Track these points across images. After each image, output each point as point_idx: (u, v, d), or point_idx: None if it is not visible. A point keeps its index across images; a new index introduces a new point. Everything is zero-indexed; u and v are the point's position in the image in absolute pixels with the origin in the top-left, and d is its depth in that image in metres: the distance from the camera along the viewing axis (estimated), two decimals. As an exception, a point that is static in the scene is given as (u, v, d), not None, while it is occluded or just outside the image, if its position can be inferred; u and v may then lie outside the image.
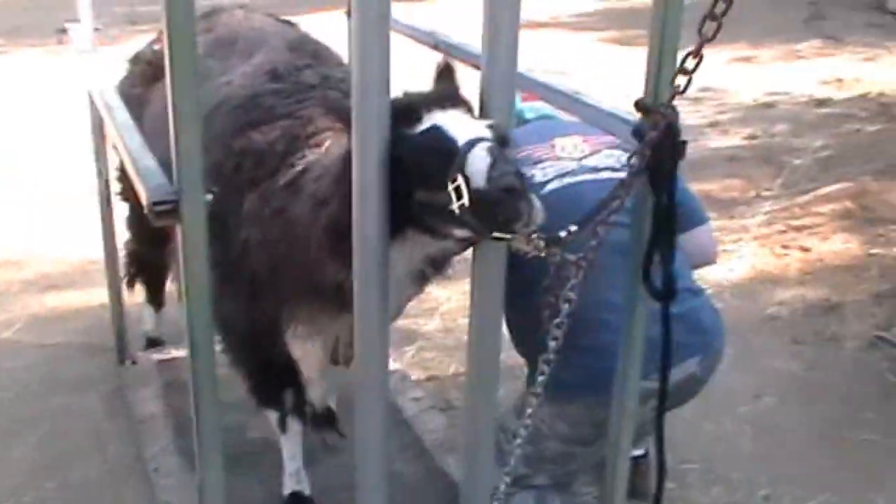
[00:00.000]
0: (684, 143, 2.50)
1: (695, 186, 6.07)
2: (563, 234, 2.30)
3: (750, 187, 7.29)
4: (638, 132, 2.54)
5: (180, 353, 4.54)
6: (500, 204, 2.13)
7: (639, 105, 2.55)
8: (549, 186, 3.20)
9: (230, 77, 3.35)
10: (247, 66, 3.40)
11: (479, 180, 2.16)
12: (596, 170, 3.27)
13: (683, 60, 2.32)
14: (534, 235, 2.24)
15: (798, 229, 6.44)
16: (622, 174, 3.34)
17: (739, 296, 5.61)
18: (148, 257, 4.55)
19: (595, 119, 2.79)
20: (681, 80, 2.35)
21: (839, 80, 10.02)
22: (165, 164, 2.21)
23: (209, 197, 2.14)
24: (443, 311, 5.37)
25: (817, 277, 5.84)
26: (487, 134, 2.35)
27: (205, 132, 2.14)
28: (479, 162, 2.19)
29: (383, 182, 2.32)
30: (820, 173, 7.44)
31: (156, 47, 4.00)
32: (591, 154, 3.34)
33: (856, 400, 4.62)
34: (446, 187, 2.20)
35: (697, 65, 2.30)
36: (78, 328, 5.29)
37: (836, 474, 4.11)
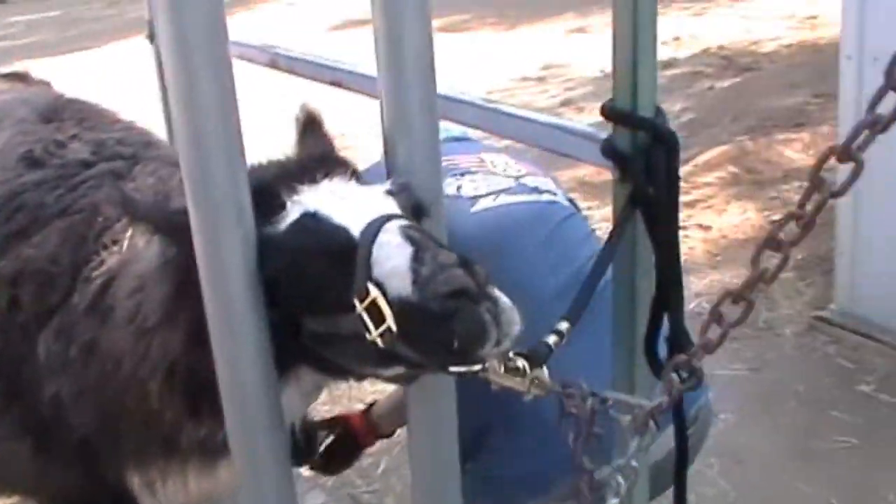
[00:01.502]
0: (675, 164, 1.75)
1: (563, 175, 5.53)
2: (552, 338, 1.51)
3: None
4: (611, 150, 1.75)
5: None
6: (448, 320, 1.37)
7: (612, 112, 1.76)
8: (482, 203, 2.44)
9: None
10: None
11: (402, 287, 1.42)
12: (538, 191, 2.51)
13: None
14: (511, 355, 1.49)
15: (689, 205, 5.90)
16: (565, 203, 2.70)
17: (652, 294, 4.97)
18: None
19: (544, 136, 1.97)
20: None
21: (676, 39, 9.73)
22: None
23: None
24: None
25: (727, 258, 5.32)
26: (393, 207, 1.59)
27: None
28: (393, 257, 1.44)
29: (255, 306, 1.56)
30: (690, 138, 6.97)
31: None
32: (526, 175, 2.56)
33: (816, 398, 4.07)
34: (352, 307, 1.43)
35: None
36: None
37: (819, 494, 3.52)
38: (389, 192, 1.65)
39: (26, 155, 2.38)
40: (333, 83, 2.60)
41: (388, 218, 1.51)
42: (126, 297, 1.90)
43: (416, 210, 1.65)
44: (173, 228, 1.63)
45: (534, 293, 2.25)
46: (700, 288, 4.99)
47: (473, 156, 2.71)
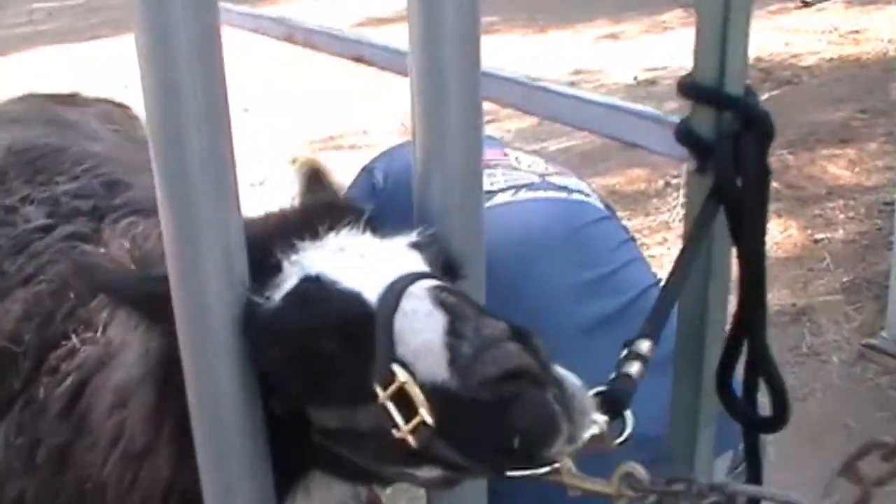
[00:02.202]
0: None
1: (595, 182, 5.22)
2: (634, 367, 1.19)
3: (655, 176, 6.46)
4: (689, 135, 1.44)
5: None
6: (504, 413, 1.06)
7: (692, 89, 1.45)
8: (498, 198, 2.17)
9: None
10: None
11: (437, 369, 1.11)
12: (567, 190, 2.21)
13: None
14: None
15: (727, 221, 5.58)
16: (599, 205, 2.40)
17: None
18: None
19: (604, 120, 1.66)
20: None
21: (712, 50, 9.38)
22: None
23: None
24: None
25: (769, 277, 4.96)
26: (418, 263, 1.27)
27: None
28: (422, 330, 1.13)
29: (250, 405, 1.26)
30: (727, 152, 6.64)
31: None
32: (555, 174, 2.26)
33: (867, 433, 3.70)
34: (373, 397, 1.14)
35: None
36: None
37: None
38: (415, 245, 1.32)
39: None
40: (355, 58, 2.30)
41: (414, 278, 1.19)
42: (106, 414, 1.59)
43: (449, 268, 1.33)
44: (151, 302, 1.31)
45: (550, 292, 2.02)
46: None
47: (498, 150, 2.43)
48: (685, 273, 1.38)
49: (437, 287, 1.17)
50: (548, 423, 1.06)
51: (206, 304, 1.19)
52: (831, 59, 8.76)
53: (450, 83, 1.33)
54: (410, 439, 1.10)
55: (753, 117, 1.40)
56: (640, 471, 1.14)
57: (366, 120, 7.78)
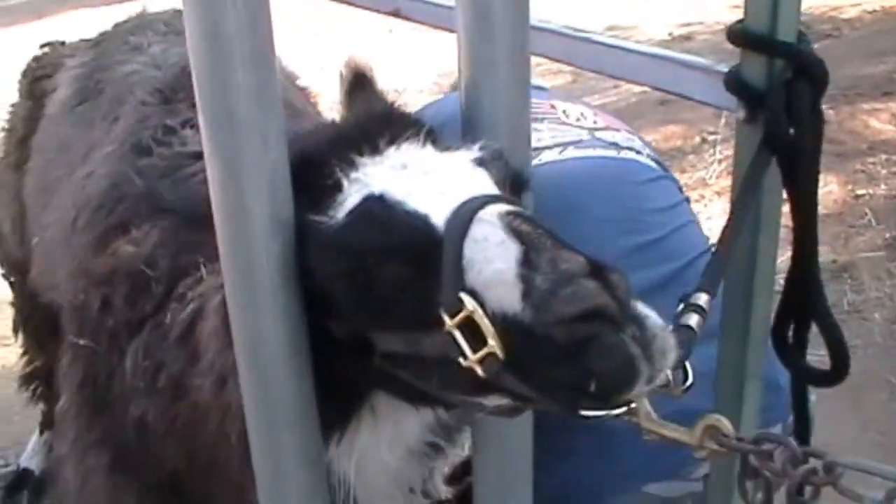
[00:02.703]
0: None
1: None
2: (693, 318, 1.16)
3: (692, 132, 6.37)
4: (739, 83, 1.41)
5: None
6: (580, 355, 1.02)
7: (743, 36, 1.41)
8: (544, 156, 2.10)
9: (91, 165, 2.19)
10: (110, 138, 2.22)
11: (509, 301, 1.05)
12: (617, 147, 2.15)
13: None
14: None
15: (766, 177, 5.49)
16: (651, 164, 2.34)
17: (725, 269, 4.59)
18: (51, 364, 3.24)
19: (648, 71, 1.62)
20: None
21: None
22: None
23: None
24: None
25: (808, 233, 4.90)
26: (486, 182, 1.22)
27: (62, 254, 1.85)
28: (494, 259, 1.08)
29: (286, 315, 1.24)
30: (765, 107, 6.53)
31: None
32: (605, 129, 2.21)
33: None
34: (439, 324, 1.09)
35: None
36: None
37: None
38: (479, 161, 1.27)
39: (136, 143, 2.11)
40: (392, 13, 2.27)
41: (484, 201, 1.14)
42: (208, 335, 1.57)
43: (514, 185, 1.28)
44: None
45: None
46: (778, 265, 4.61)
47: (545, 102, 2.36)
48: (741, 223, 1.36)
49: (509, 213, 1.12)
50: (626, 368, 1.02)
51: (251, 245, 1.18)
52: (873, 11, 8.55)
53: (499, 36, 1.31)
54: (478, 369, 1.07)
55: (807, 64, 1.36)
56: (726, 424, 1.09)
57: (399, 78, 7.73)
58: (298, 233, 1.23)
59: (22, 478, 3.56)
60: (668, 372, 1.07)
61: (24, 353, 3.50)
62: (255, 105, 1.09)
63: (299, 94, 2.76)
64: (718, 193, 5.42)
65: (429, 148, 1.29)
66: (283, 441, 1.33)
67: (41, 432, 3.64)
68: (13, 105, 3.12)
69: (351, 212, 1.21)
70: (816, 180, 1.43)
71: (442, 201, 1.15)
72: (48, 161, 2.61)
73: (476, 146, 1.28)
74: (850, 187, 5.28)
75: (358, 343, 1.25)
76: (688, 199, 2.34)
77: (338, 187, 1.23)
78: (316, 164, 1.25)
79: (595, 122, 2.28)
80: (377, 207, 1.20)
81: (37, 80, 2.97)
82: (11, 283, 3.31)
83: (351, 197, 1.22)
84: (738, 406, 1.69)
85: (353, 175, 1.24)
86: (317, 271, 1.22)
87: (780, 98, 1.35)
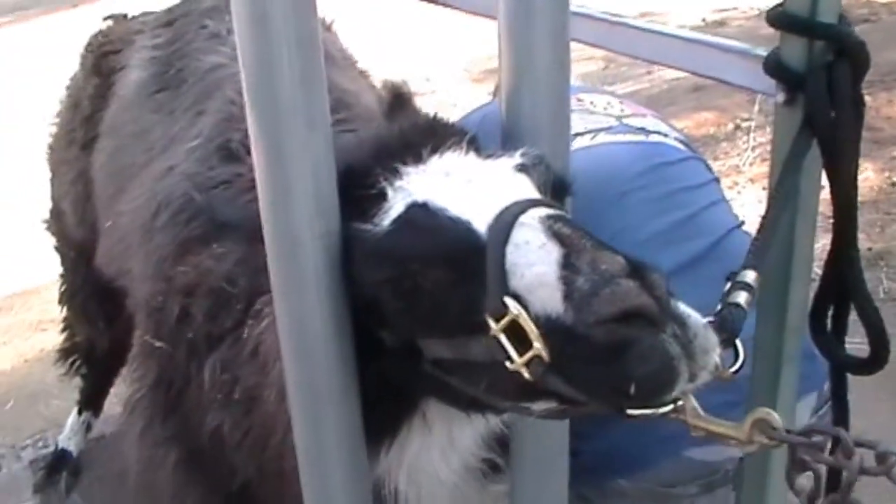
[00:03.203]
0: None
1: None
2: (742, 296, 1.16)
3: (725, 119, 6.32)
4: (779, 66, 1.40)
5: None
6: (620, 356, 1.02)
7: (782, 18, 1.40)
8: (577, 143, 2.13)
9: (172, 158, 2.17)
10: (194, 132, 2.20)
11: (551, 304, 1.09)
12: (644, 131, 2.18)
13: None
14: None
15: (801, 164, 5.44)
16: (679, 146, 2.36)
17: (758, 257, 4.56)
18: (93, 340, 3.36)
19: (686, 55, 1.62)
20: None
21: (785, -12, 9.05)
22: None
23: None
24: None
25: (844, 221, 4.85)
26: (528, 187, 1.24)
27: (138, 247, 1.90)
28: (536, 263, 1.11)
29: (339, 335, 1.29)
30: (800, 93, 6.45)
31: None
32: (632, 115, 2.23)
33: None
34: (485, 328, 1.12)
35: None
36: None
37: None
38: (520, 167, 1.28)
39: (222, 146, 2.07)
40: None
41: (525, 206, 1.16)
42: (273, 356, 1.61)
43: (555, 189, 1.29)
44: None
45: (632, 239, 1.97)
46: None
47: (572, 96, 2.39)
48: (781, 207, 1.35)
49: (550, 216, 1.14)
50: (665, 370, 1.02)
51: (294, 225, 1.20)
52: (911, -4, 8.43)
53: (539, 20, 1.31)
54: (524, 372, 1.09)
55: (848, 47, 1.35)
56: (775, 417, 1.09)
57: (429, 66, 7.74)
58: (344, 242, 1.26)
59: (60, 459, 3.59)
60: (717, 356, 1.07)
61: (66, 329, 3.55)
62: (300, 88, 1.11)
63: (356, 75, 2.71)
64: (752, 180, 5.38)
65: (471, 156, 1.32)
66: (324, 419, 1.35)
67: (79, 412, 3.69)
68: (74, 79, 3.06)
69: (395, 220, 1.24)
70: (857, 163, 1.41)
71: (484, 207, 1.18)
72: (122, 145, 2.58)
73: (518, 153, 1.30)
74: (886, 174, 5.22)
75: (407, 350, 1.27)
76: (717, 179, 2.36)
77: (382, 196, 1.26)
78: (360, 173, 1.28)
79: (622, 110, 2.31)
80: (421, 215, 1.23)
81: (104, 55, 2.90)
82: (64, 256, 3.32)
83: (395, 205, 1.25)
84: (773, 391, 1.68)
85: (398, 184, 1.27)
86: (364, 279, 1.24)
87: (822, 80, 1.34)
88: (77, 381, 3.73)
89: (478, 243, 1.15)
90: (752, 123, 6.16)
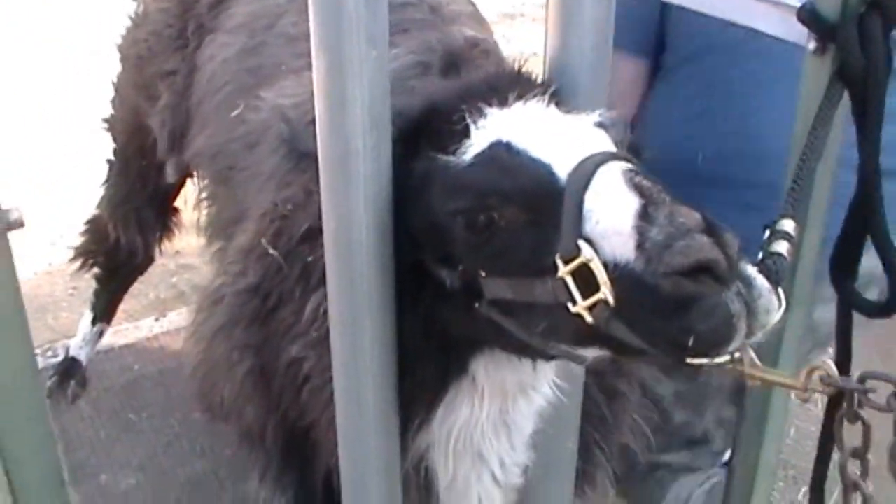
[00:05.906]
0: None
1: None
2: (782, 245, 1.24)
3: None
4: (813, 16, 1.46)
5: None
6: (684, 310, 1.07)
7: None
8: None
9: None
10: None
11: (624, 251, 1.11)
12: None
13: None
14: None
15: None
16: None
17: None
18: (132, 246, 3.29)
19: (725, 4, 1.67)
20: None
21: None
22: None
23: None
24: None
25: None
26: (608, 143, 1.28)
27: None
28: (614, 211, 1.13)
29: (385, 217, 1.31)
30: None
31: None
32: None
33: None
34: (553, 270, 1.15)
35: None
36: None
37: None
38: (600, 125, 1.32)
39: (419, 62, 1.92)
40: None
41: (606, 157, 1.19)
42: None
43: (631, 151, 1.33)
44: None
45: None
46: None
47: None
48: (815, 153, 1.41)
49: (630, 170, 1.17)
50: (725, 327, 1.06)
51: (348, 136, 1.24)
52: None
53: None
54: (587, 316, 1.12)
55: (880, -1, 1.40)
56: (830, 366, 1.14)
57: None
58: (423, 172, 1.30)
59: (71, 367, 3.62)
60: (778, 317, 1.11)
61: (88, 231, 3.49)
62: (364, 5, 1.16)
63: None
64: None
65: (553, 108, 1.35)
66: (364, 360, 1.40)
67: (93, 322, 3.68)
68: None
69: (478, 155, 1.28)
70: (882, 110, 1.47)
71: (567, 154, 1.21)
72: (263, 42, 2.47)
73: (597, 111, 1.34)
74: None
75: (465, 288, 1.30)
76: None
77: (466, 133, 1.29)
78: (445, 109, 1.32)
79: None
80: (504, 153, 1.26)
81: None
82: (125, 159, 3.23)
83: (479, 142, 1.29)
84: (779, 333, 1.75)
85: (482, 122, 1.30)
86: (438, 207, 1.28)
87: (854, 30, 1.40)
88: (86, 295, 3.78)
89: (557, 186, 1.18)
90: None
